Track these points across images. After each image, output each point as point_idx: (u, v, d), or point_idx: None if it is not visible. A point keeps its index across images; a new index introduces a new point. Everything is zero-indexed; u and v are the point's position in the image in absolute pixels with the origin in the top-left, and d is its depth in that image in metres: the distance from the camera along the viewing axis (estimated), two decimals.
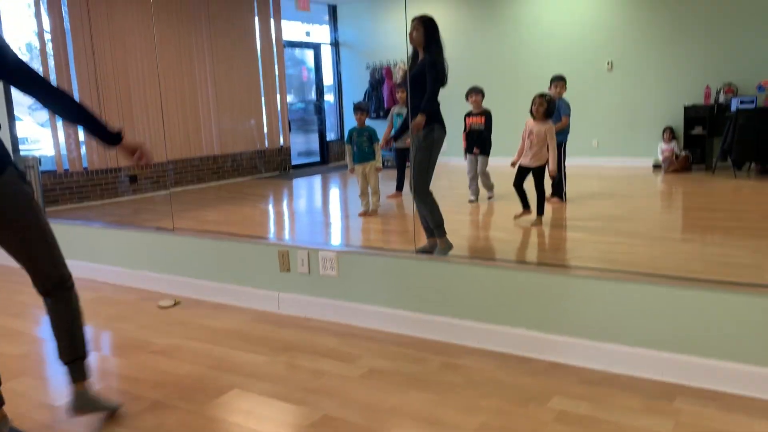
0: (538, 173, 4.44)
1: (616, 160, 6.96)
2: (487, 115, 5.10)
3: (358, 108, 5.34)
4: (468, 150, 5.23)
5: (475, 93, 5.15)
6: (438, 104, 3.59)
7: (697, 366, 2.47)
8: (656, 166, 7.01)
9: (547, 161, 4.44)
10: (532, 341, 2.83)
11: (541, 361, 2.78)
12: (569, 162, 5.10)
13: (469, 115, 5.20)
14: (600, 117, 7.10)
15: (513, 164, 4.50)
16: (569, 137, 5.17)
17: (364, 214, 5.19)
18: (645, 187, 6.47)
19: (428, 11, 3.63)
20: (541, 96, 4.40)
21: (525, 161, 4.45)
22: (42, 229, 2.25)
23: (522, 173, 4.48)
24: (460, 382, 2.60)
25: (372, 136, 5.23)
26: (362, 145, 5.22)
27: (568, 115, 5.11)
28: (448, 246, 3.54)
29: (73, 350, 2.36)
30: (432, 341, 3.06)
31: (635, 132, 7.22)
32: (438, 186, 3.67)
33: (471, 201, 5.32)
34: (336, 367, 2.81)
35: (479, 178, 5.27)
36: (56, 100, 2.28)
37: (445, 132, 3.62)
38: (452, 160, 5.52)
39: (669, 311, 2.52)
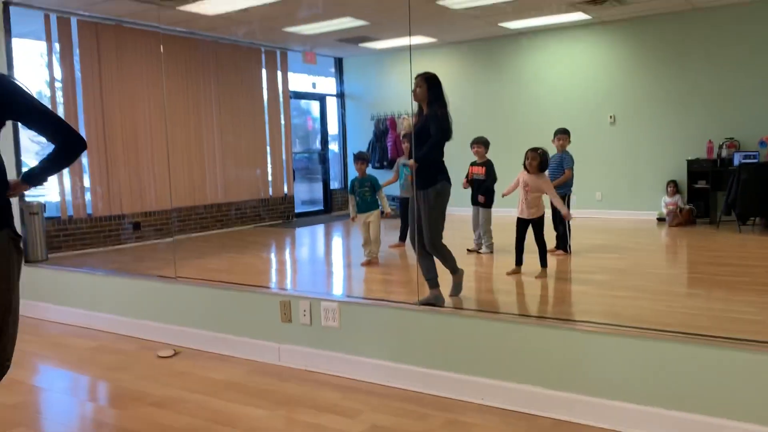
0: (537, 225, 4.44)
1: (620, 213, 6.97)
2: (488, 166, 5.14)
3: (358, 158, 5.38)
4: (472, 200, 5.25)
5: (477, 144, 5.20)
6: (442, 157, 3.63)
7: (703, 425, 2.40)
8: (660, 220, 7.01)
9: (543, 214, 4.47)
10: (537, 398, 2.77)
11: (546, 419, 2.71)
12: (573, 214, 5.11)
13: (472, 164, 5.25)
14: (603, 170, 7.15)
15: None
16: (573, 189, 5.20)
17: (367, 263, 5.16)
18: (649, 241, 6.45)
19: (432, 64, 3.70)
20: (534, 150, 4.45)
21: (524, 214, 4.47)
22: (10, 309, 2.10)
23: (522, 227, 4.48)
24: None
25: (374, 185, 5.25)
26: (364, 195, 5.24)
27: (571, 168, 5.15)
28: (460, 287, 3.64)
29: None
30: (436, 397, 3.00)
31: (639, 185, 7.25)
32: (449, 235, 3.70)
33: (469, 250, 5.31)
34: (337, 422, 2.75)
35: (480, 229, 5.27)
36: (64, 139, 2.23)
37: (450, 185, 3.65)
38: (453, 211, 5.54)
39: (675, 368, 2.48)
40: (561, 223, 4.99)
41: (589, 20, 7.22)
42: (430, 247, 3.61)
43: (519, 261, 4.46)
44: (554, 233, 5.04)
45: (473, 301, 3.92)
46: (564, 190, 5.08)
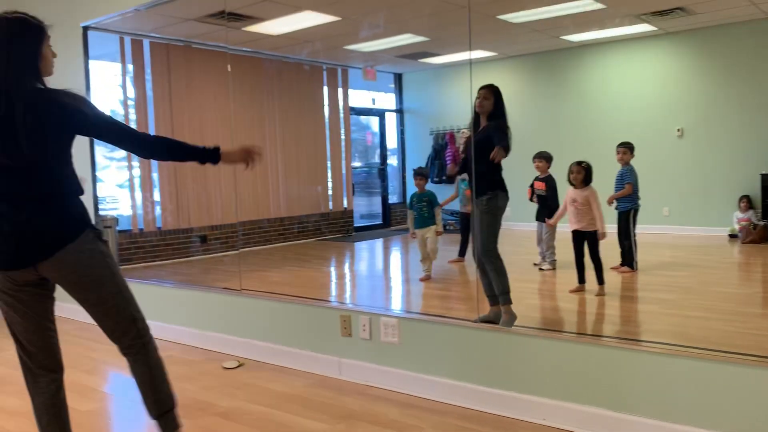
0: (592, 239, 4.33)
1: (688, 229, 6.72)
2: (549, 181, 5.07)
3: (417, 173, 5.41)
4: (537, 215, 5.20)
5: (539, 158, 5.15)
6: (501, 171, 3.61)
7: None
8: (732, 236, 6.72)
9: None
10: (601, 419, 2.70)
11: None
12: (640, 230, 4.97)
13: (536, 179, 5.20)
14: (671, 184, 6.92)
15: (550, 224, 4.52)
16: (640, 203, 5.05)
17: (426, 279, 5.16)
18: (720, 258, 6.21)
19: (493, 78, 3.69)
20: (578, 164, 4.36)
21: (576, 226, 4.38)
22: (117, 287, 2.33)
23: (579, 241, 4.39)
24: None
25: (432, 200, 5.26)
26: (422, 210, 5.24)
27: (632, 183, 4.99)
28: (513, 317, 3.46)
29: (159, 404, 2.39)
30: (495, 416, 2.97)
31: (709, 200, 6.98)
32: (501, 251, 3.64)
33: (535, 264, 5.25)
34: None
35: (543, 244, 5.20)
36: (145, 147, 2.42)
37: (507, 198, 3.62)
38: (516, 226, 5.48)
39: (746, 393, 2.37)
40: (627, 238, 4.86)
41: (654, 32, 7.05)
42: (483, 252, 3.57)
43: (581, 279, 4.36)
44: (619, 249, 4.91)
45: (534, 319, 3.86)
46: (628, 205, 4.95)
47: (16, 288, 2.20)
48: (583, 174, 4.33)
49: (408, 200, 5.42)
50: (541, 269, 5.23)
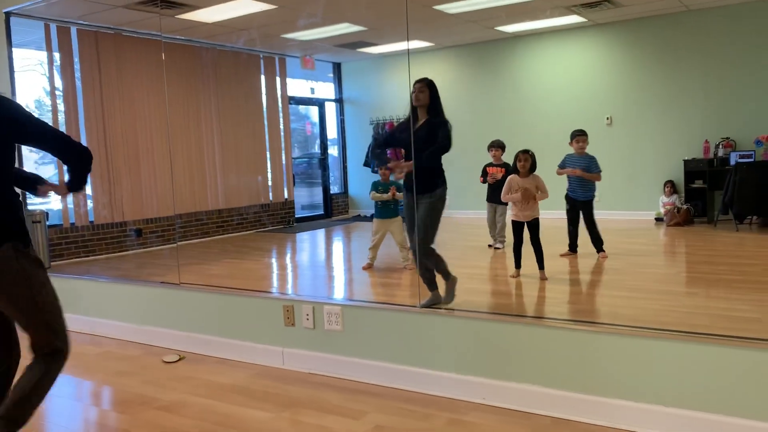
0: (533, 227, 4.47)
1: (617, 214, 7.01)
2: (507, 167, 5.21)
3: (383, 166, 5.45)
4: (489, 198, 5.40)
5: (495, 147, 5.36)
6: (441, 164, 3.69)
7: (702, 422, 2.45)
8: (658, 220, 7.05)
9: (538, 216, 4.50)
10: (536, 396, 2.82)
11: (545, 417, 2.76)
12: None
13: (489, 165, 5.34)
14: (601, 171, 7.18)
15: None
16: (560, 193, 5.23)
17: (368, 267, 5.20)
18: (647, 241, 6.50)
19: (430, 68, 3.75)
20: (524, 152, 4.48)
21: (519, 216, 4.49)
22: (35, 304, 2.32)
23: (518, 229, 4.51)
24: None
25: (398, 190, 5.24)
26: (386, 201, 5.23)
27: (600, 171, 5.14)
28: (452, 294, 3.59)
29: (15, 410, 2.32)
30: (438, 397, 3.05)
31: (636, 185, 7.30)
32: (452, 237, 3.73)
33: (490, 246, 5.45)
34: (341, 423, 2.80)
35: (498, 224, 5.40)
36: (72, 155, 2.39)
37: (446, 189, 3.72)
38: (462, 213, 5.57)
39: (673, 367, 2.52)
40: (594, 225, 5.06)
41: (584, 23, 7.29)
42: (426, 248, 3.65)
43: (518, 264, 4.50)
44: (562, 237, 5.10)
45: (475, 303, 3.96)
46: (590, 195, 5.11)
47: None
48: (530, 162, 4.45)
49: (371, 187, 5.37)
50: (496, 248, 5.41)
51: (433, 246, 3.67)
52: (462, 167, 5.25)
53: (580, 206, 5.11)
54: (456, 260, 3.74)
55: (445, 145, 3.61)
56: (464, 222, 5.52)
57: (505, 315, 3.30)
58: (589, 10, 6.79)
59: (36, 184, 2.55)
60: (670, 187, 7.03)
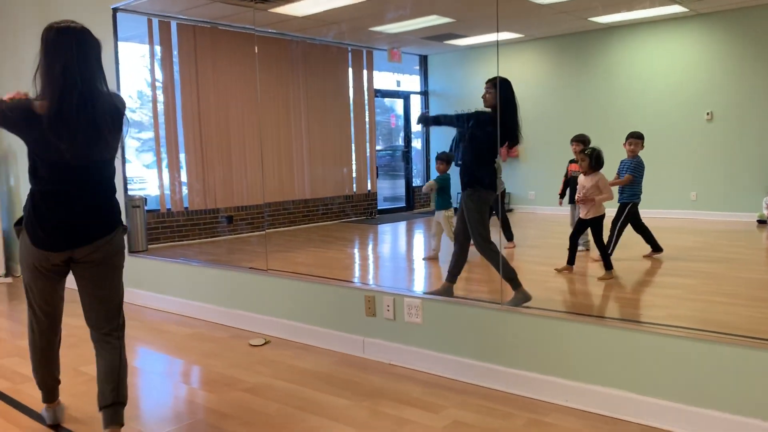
0: (595, 225, 4.31)
1: (716, 215, 6.64)
2: None
3: (440, 158, 5.47)
4: (570, 199, 5.14)
5: (576, 141, 5.13)
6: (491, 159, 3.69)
7: None
8: (761, 222, 6.63)
9: (602, 214, 4.35)
10: (623, 402, 2.72)
11: (632, 424, 2.66)
12: (667, 214, 4.90)
13: (572, 161, 5.17)
14: (699, 169, 6.82)
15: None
16: (656, 191, 4.95)
17: (431, 258, 5.26)
18: (748, 244, 6.12)
19: (519, 60, 3.69)
20: (582, 151, 4.34)
21: (582, 213, 4.37)
22: (121, 284, 2.61)
23: (581, 226, 4.40)
24: None
25: (445, 185, 5.34)
26: (438, 192, 5.32)
27: (633, 175, 4.86)
28: (524, 297, 3.47)
29: (116, 394, 2.49)
30: (518, 396, 3.00)
31: (738, 185, 6.87)
32: (536, 234, 3.67)
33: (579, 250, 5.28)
34: (420, 416, 2.80)
35: None
36: None
37: (494, 191, 3.73)
38: (540, 209, 5.44)
39: None
40: (642, 229, 4.81)
41: (685, 13, 6.92)
42: (480, 248, 3.69)
43: (572, 260, 4.38)
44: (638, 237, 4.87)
45: (557, 302, 3.87)
46: (629, 198, 4.84)
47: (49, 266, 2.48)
48: (587, 161, 4.30)
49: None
50: (578, 250, 5.25)
51: (491, 241, 3.67)
52: (550, 162, 5.13)
53: (628, 209, 4.83)
54: (538, 258, 3.65)
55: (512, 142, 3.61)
56: (549, 219, 5.38)
57: (589, 316, 3.21)
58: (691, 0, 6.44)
59: None
60: None
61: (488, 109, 3.66)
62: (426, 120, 4.32)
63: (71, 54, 2.31)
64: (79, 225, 2.41)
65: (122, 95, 2.53)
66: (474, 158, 3.73)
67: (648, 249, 4.82)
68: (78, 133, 2.31)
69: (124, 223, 2.67)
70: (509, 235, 5.31)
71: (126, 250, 2.63)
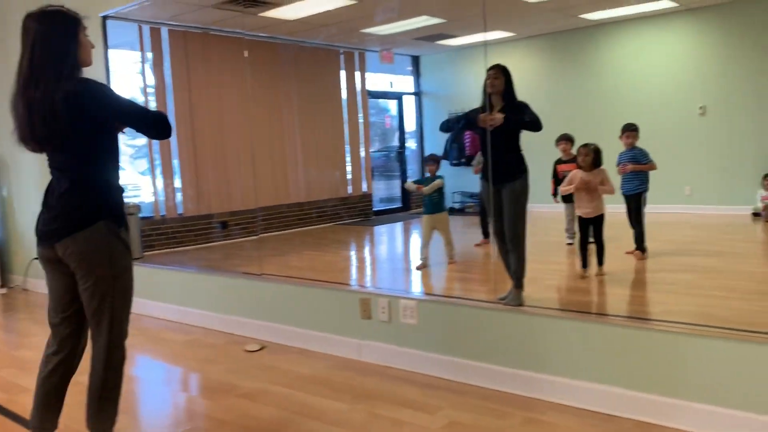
0: (597, 223, 4.31)
1: (711, 208, 6.65)
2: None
3: (429, 159, 5.41)
4: (564, 198, 5.09)
5: (564, 141, 5.10)
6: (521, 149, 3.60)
7: None
8: (756, 215, 6.64)
9: (603, 212, 4.33)
10: (619, 399, 2.72)
11: (628, 420, 2.66)
12: (660, 209, 4.88)
13: (559, 162, 5.15)
14: (692, 163, 6.83)
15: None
16: (650, 186, 4.95)
17: (422, 267, 5.01)
18: (743, 237, 6.13)
19: (508, 59, 3.67)
20: (585, 146, 4.31)
21: (584, 213, 4.34)
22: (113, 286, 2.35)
23: (585, 226, 4.36)
24: None
25: (440, 186, 5.14)
26: (432, 196, 5.11)
27: (650, 161, 4.87)
28: (519, 298, 3.43)
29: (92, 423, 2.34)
30: (515, 395, 3.00)
31: (732, 179, 6.89)
32: (528, 231, 3.64)
33: (569, 244, 5.29)
34: (416, 418, 2.80)
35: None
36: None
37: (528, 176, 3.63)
38: (535, 207, 5.42)
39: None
40: (638, 222, 4.80)
41: (674, 8, 6.93)
42: (515, 241, 3.52)
43: (584, 263, 4.35)
44: (627, 232, 4.87)
45: (552, 300, 3.87)
46: (640, 188, 4.82)
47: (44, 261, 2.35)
48: (591, 156, 4.28)
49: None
50: (567, 244, 5.27)
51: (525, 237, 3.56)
52: (541, 160, 5.12)
53: (627, 200, 4.83)
54: (532, 255, 3.64)
55: (538, 121, 3.51)
56: (541, 216, 5.37)
57: (583, 313, 3.21)
58: None
59: None
60: None
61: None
62: (448, 126, 4.17)
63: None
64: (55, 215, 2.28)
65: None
66: (512, 148, 3.57)
67: (632, 246, 4.79)
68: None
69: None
70: (487, 233, 5.26)
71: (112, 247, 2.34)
